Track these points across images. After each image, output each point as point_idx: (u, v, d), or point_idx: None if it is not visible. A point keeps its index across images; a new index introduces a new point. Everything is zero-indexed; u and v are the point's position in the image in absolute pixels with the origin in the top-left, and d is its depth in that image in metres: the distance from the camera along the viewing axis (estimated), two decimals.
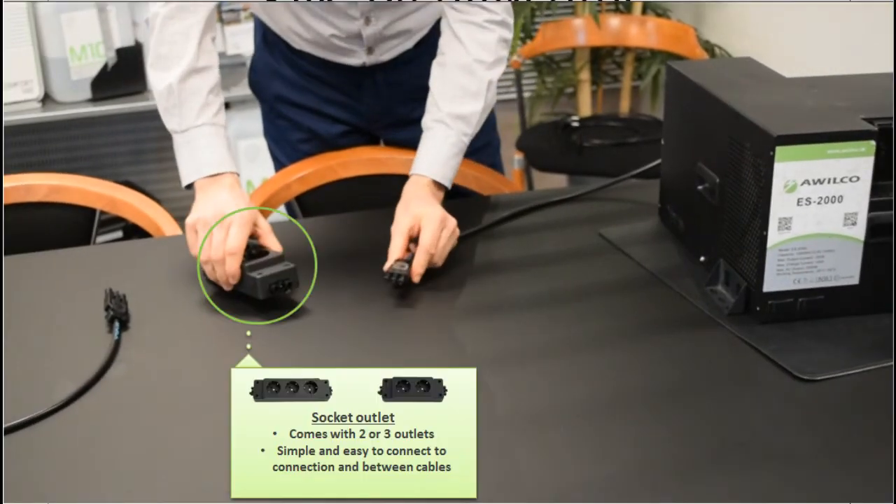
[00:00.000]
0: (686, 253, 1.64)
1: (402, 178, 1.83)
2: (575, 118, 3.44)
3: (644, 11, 3.65)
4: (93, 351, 1.39)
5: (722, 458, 1.17)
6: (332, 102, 2.02)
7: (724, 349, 1.40)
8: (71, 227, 1.96)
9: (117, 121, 3.45)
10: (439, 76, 1.75)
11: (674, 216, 1.70)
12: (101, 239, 1.98)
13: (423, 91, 1.82)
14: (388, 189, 1.93)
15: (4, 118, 3.09)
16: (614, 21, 3.48)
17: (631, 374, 1.35)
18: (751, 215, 1.41)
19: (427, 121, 1.74)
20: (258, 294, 1.51)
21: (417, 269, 1.55)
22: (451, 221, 1.62)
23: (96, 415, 1.28)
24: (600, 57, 3.78)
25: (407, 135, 2.03)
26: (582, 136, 3.26)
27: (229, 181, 1.63)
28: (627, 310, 1.51)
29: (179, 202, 1.88)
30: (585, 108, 3.72)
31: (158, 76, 1.66)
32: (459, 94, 1.73)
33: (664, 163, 1.74)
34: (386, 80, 1.98)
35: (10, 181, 1.93)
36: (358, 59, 1.93)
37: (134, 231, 3.11)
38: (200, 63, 1.66)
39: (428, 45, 1.93)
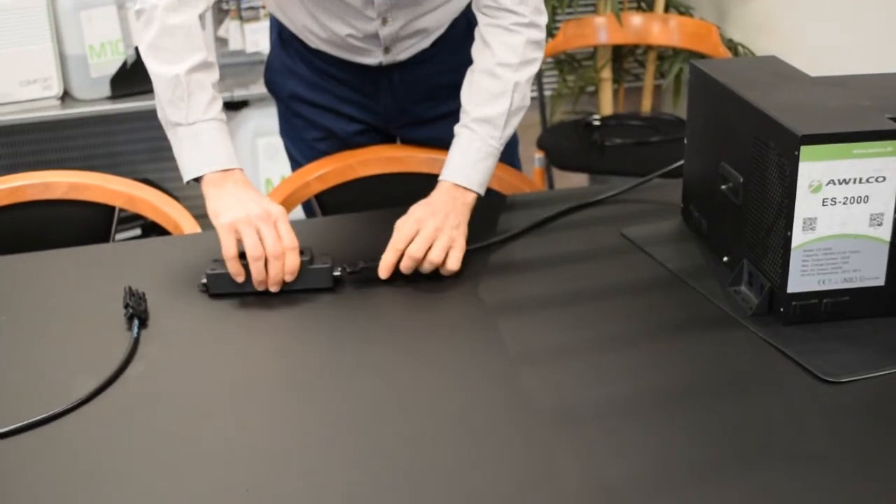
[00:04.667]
0: (709, 253, 1.63)
1: (422, 177, 1.83)
2: (596, 117, 3.42)
3: (666, 9, 3.63)
4: (112, 348, 1.39)
5: (744, 460, 1.16)
6: (348, 101, 2.01)
7: (747, 350, 1.38)
8: (90, 224, 1.96)
9: (136, 118, 3.46)
10: (467, 83, 1.75)
11: (697, 216, 1.68)
12: (119, 237, 1.98)
13: (439, 90, 1.81)
14: (407, 187, 1.93)
15: (24, 115, 3.10)
16: (636, 19, 3.46)
17: (652, 374, 1.34)
18: (775, 215, 1.39)
19: (455, 128, 1.74)
20: (327, 283, 1.54)
21: (383, 265, 1.56)
22: (449, 231, 1.60)
23: (116, 412, 1.27)
24: (622, 55, 3.76)
25: (423, 134, 2.02)
26: (603, 135, 3.24)
27: (241, 177, 1.62)
28: (649, 310, 1.50)
29: (198, 200, 1.87)
30: (607, 106, 3.71)
31: (162, 68, 1.63)
32: (484, 98, 1.72)
33: (687, 162, 1.73)
34: (402, 79, 1.97)
35: (29, 178, 1.94)
36: (374, 58, 1.92)
37: (152, 229, 3.12)
38: (210, 58, 1.66)
39: (445, 44, 1.93)
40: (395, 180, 2.04)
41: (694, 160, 1.70)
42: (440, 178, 1.71)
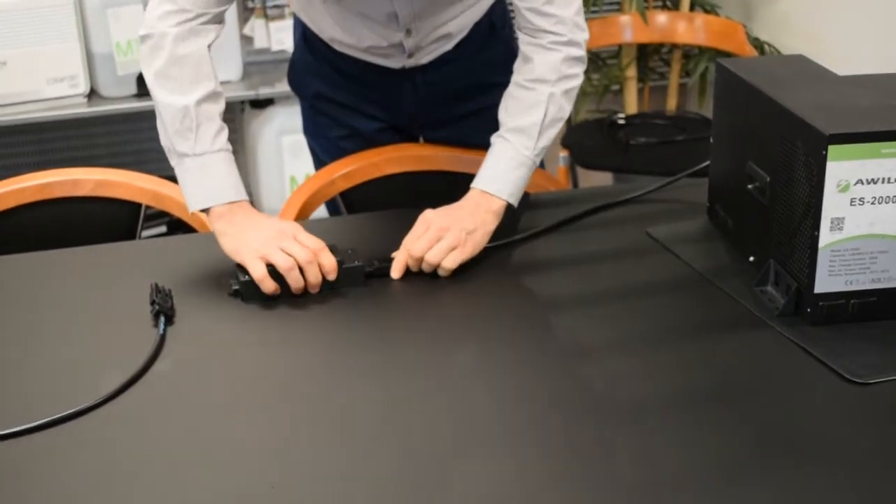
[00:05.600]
0: (735, 253, 1.62)
1: (448, 175, 1.83)
2: (621, 115, 3.41)
3: (692, 8, 3.61)
4: (138, 345, 1.39)
5: (769, 460, 1.15)
6: (371, 101, 2.01)
7: (773, 351, 1.38)
8: (117, 221, 1.97)
9: None
10: (504, 97, 1.74)
11: (722, 215, 1.68)
12: (145, 233, 1.99)
13: (461, 91, 1.81)
14: (433, 185, 1.93)
15: (51, 113, 3.11)
16: (662, 18, 3.45)
17: (677, 374, 1.34)
18: (802, 215, 1.39)
19: (491, 138, 1.73)
20: (360, 281, 1.55)
21: (395, 265, 1.58)
22: (456, 232, 1.59)
23: (142, 408, 1.28)
24: (647, 54, 3.75)
25: (446, 134, 2.03)
26: (628, 134, 3.23)
27: (248, 208, 1.62)
28: (675, 310, 1.50)
29: None
30: (632, 105, 3.69)
31: (170, 98, 1.61)
32: (519, 109, 1.71)
33: (713, 161, 1.72)
34: (425, 80, 1.97)
35: (56, 175, 1.95)
36: (398, 62, 1.93)
37: (178, 226, 3.12)
38: (218, 88, 1.63)
39: (467, 46, 1.94)
40: (420, 178, 2.03)
41: (720, 159, 1.70)
42: (471, 185, 1.70)
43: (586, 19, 1.74)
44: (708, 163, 1.75)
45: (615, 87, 3.81)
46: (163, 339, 1.42)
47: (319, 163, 2.10)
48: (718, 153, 1.70)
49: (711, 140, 1.72)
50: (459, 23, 1.90)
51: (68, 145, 3.57)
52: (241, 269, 1.54)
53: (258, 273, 1.51)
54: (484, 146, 1.73)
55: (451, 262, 1.58)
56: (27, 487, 1.14)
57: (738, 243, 1.63)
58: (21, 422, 1.23)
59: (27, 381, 1.35)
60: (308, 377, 1.36)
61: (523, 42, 1.73)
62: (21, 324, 1.49)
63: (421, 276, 1.58)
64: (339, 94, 2.01)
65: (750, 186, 1.53)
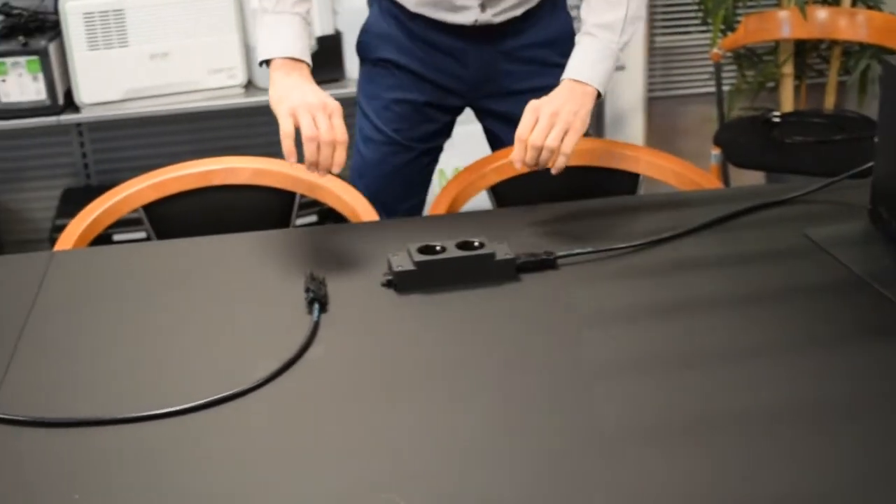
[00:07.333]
0: None
1: (596, 171, 1.81)
2: (776, 113, 3.33)
3: (854, 3, 3.51)
4: (293, 331, 1.42)
5: None
6: (436, 68, 2.06)
7: None
8: (271, 209, 2.02)
9: None
10: (585, 1, 1.85)
11: (886, 217, 1.62)
12: (298, 222, 2.03)
13: (524, 64, 1.99)
14: (582, 180, 1.92)
15: (211, 102, 3.21)
16: (822, 13, 3.36)
17: (832, 381, 1.30)
18: None
19: (577, 37, 1.85)
20: (510, 275, 1.56)
21: (514, 156, 1.67)
22: (565, 115, 1.68)
23: (296, 393, 1.31)
24: (805, 50, 3.66)
25: (505, 107, 2.06)
26: (783, 133, 3.15)
27: (307, 73, 1.78)
28: (833, 314, 1.46)
29: None
30: (787, 103, 3.61)
31: None
32: (602, 7, 1.83)
33: (877, 162, 1.67)
34: (492, 47, 2.03)
35: (215, 163, 2.01)
36: (470, 16, 1.97)
37: (328, 215, 3.18)
38: None
39: (536, 19, 2.02)
40: (570, 172, 2.02)
41: (885, 160, 1.64)
42: (561, 78, 1.78)
43: (743, 14, 1.74)
44: (871, 164, 1.69)
45: (770, 84, 3.73)
46: (316, 326, 1.44)
47: (370, 126, 2.13)
48: (883, 153, 1.65)
49: (876, 140, 1.66)
50: None
51: (225, 134, 3.66)
52: (396, 257, 1.56)
53: (285, 129, 1.63)
54: None
55: (568, 146, 1.67)
56: (184, 466, 1.18)
57: None
58: (180, 402, 1.27)
59: (186, 364, 1.39)
60: (459, 368, 1.37)
61: None
62: (180, 307, 1.53)
63: (575, 268, 1.57)
64: (404, 59, 2.06)
65: None
